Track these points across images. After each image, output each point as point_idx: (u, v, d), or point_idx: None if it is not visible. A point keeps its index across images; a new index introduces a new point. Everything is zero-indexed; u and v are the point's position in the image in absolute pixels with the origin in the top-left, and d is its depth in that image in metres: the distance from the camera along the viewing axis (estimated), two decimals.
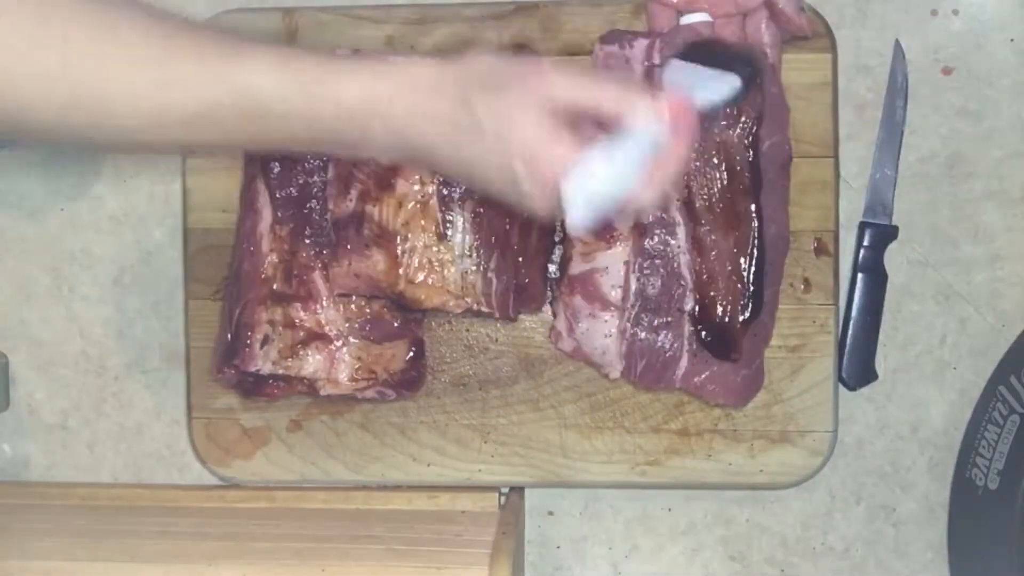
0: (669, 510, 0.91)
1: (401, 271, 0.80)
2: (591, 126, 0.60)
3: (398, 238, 0.80)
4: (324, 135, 0.60)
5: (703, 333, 0.81)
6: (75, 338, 0.93)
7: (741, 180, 0.81)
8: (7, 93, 0.54)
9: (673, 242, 0.81)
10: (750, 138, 0.81)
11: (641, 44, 0.83)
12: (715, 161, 0.81)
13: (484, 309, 0.81)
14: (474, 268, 0.80)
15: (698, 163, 0.80)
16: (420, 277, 0.80)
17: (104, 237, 0.92)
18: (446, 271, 0.80)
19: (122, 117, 0.56)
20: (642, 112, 0.59)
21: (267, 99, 0.58)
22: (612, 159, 0.59)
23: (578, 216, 0.59)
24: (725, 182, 0.81)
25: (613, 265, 0.82)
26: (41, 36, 0.54)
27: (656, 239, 0.81)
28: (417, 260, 0.80)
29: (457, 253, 0.80)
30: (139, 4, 0.57)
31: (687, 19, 0.84)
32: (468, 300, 0.80)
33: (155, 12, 0.57)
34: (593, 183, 0.59)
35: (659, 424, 0.87)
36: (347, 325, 0.83)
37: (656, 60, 0.82)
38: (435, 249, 0.80)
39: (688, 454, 0.87)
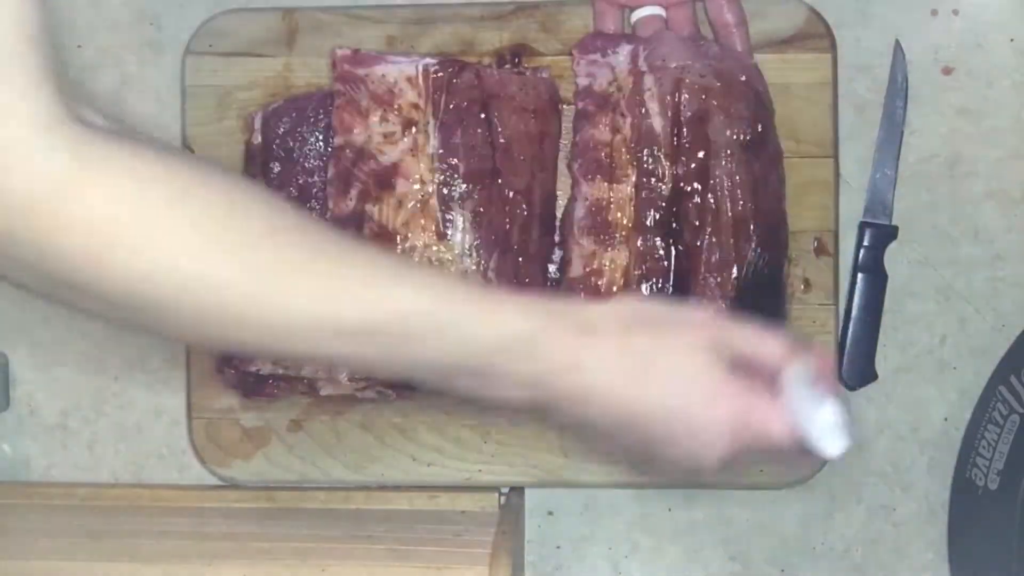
0: (669, 510, 0.91)
1: None
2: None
3: (398, 237, 0.80)
4: (468, 366, 0.56)
5: None
6: (75, 338, 0.93)
7: (740, 182, 0.81)
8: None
9: (673, 247, 0.81)
10: (745, 139, 0.81)
11: (625, 50, 0.83)
12: (713, 164, 0.81)
13: None
14: (474, 268, 0.80)
15: (694, 166, 0.81)
16: None
17: None
18: (446, 270, 0.80)
19: (280, 327, 0.52)
20: (801, 365, 0.58)
21: (435, 320, 0.54)
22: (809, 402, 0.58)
23: (835, 447, 0.58)
24: (724, 184, 0.81)
25: (614, 268, 0.82)
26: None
27: (657, 242, 0.81)
28: (417, 259, 0.80)
29: (457, 252, 0.80)
30: (313, 219, 0.55)
31: (638, 14, 0.84)
32: None
33: (324, 227, 0.55)
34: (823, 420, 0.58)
35: None
36: None
37: (643, 68, 0.82)
38: (435, 248, 0.80)
39: None
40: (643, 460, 0.60)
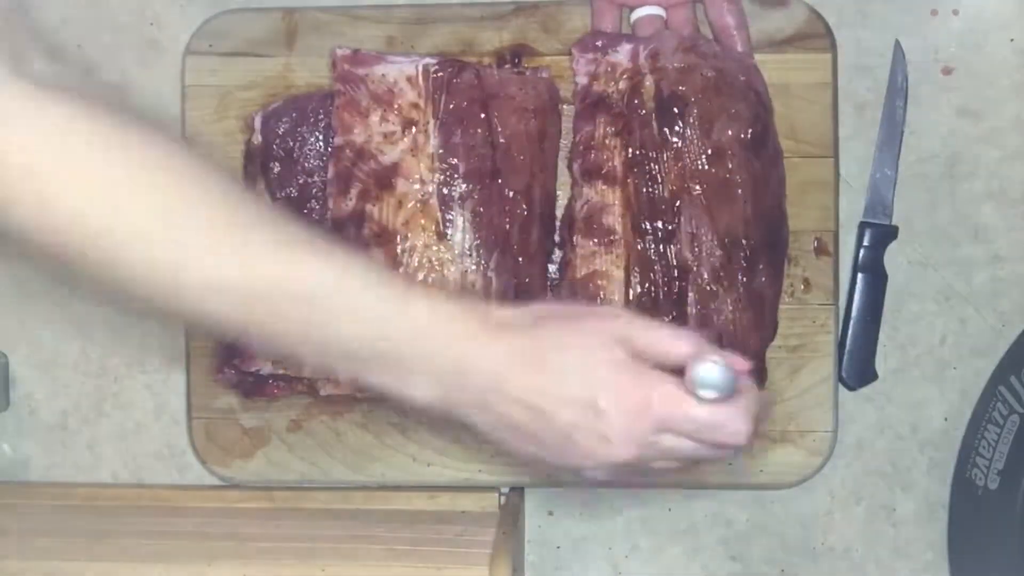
0: (669, 510, 0.91)
1: (401, 270, 0.80)
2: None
3: (398, 237, 0.80)
4: (378, 354, 0.57)
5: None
6: (75, 338, 0.93)
7: (740, 181, 0.81)
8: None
9: (673, 246, 0.81)
10: (745, 139, 0.81)
11: (625, 49, 0.83)
12: (713, 164, 0.81)
13: None
14: (474, 267, 0.80)
15: (694, 165, 0.81)
16: (420, 276, 0.80)
17: None
18: (446, 270, 0.80)
19: (183, 283, 0.53)
20: (712, 365, 0.57)
21: (348, 301, 0.55)
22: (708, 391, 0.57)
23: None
24: (724, 184, 0.81)
25: (614, 268, 0.82)
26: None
27: (657, 243, 0.81)
28: (417, 259, 0.80)
29: (457, 252, 0.80)
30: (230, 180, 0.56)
31: (638, 14, 0.84)
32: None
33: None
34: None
35: None
36: None
37: (643, 67, 0.82)
38: (435, 248, 0.80)
39: None
40: (552, 466, 0.60)
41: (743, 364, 0.58)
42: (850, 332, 0.88)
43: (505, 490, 0.89)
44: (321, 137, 0.84)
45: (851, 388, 0.89)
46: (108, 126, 0.52)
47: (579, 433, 0.57)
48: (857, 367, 0.88)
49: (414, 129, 0.82)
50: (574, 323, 0.58)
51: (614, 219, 0.82)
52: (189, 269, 0.53)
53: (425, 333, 0.57)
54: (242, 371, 0.84)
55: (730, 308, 0.81)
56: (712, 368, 0.56)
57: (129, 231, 0.52)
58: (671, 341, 0.58)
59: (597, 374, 0.56)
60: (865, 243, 0.88)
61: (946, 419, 0.90)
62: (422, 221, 0.80)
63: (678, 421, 0.57)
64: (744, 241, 0.81)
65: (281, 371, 0.83)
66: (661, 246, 0.81)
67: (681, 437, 0.58)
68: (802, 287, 0.87)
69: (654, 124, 0.81)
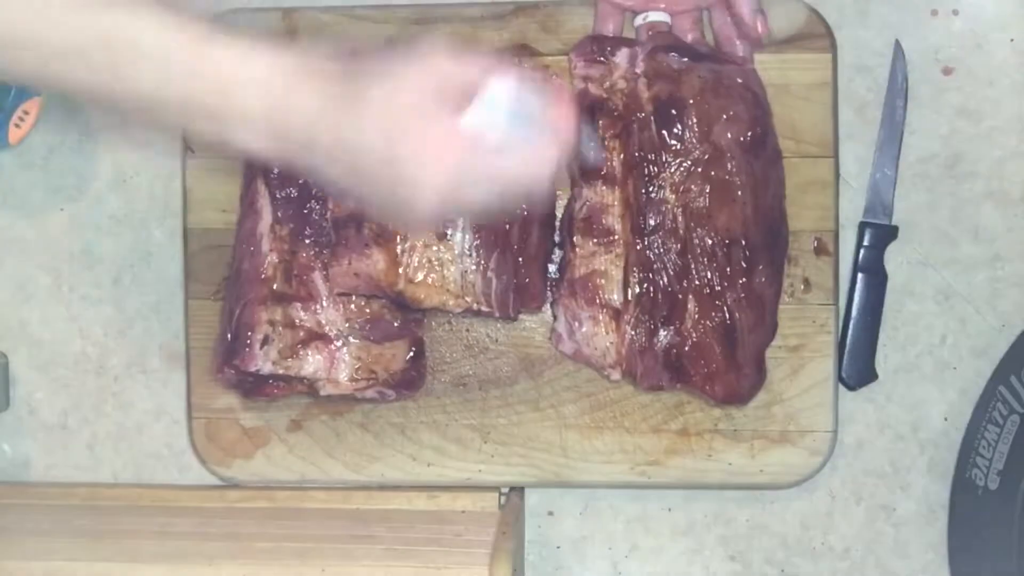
0: (669, 510, 0.91)
1: (401, 270, 0.80)
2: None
3: (398, 237, 0.80)
4: (196, 102, 0.57)
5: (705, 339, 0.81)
6: (75, 338, 0.93)
7: (739, 182, 0.81)
8: None
9: (673, 245, 0.81)
10: (745, 140, 0.81)
11: (623, 53, 0.83)
12: (712, 165, 0.81)
13: (484, 309, 0.81)
14: (474, 267, 0.80)
15: (693, 167, 0.81)
16: (420, 276, 0.80)
17: (104, 237, 0.92)
18: (446, 270, 0.80)
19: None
20: (503, 83, 0.58)
21: (143, 45, 0.56)
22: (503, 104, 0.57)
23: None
24: (724, 185, 0.81)
25: (613, 268, 0.82)
26: None
27: (656, 242, 0.81)
28: (417, 259, 0.80)
29: (457, 252, 0.80)
30: None
31: (642, 19, 0.84)
32: (468, 299, 0.80)
33: None
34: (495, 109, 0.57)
35: (659, 424, 0.87)
36: (347, 325, 0.83)
37: (641, 71, 0.82)
38: (435, 248, 0.80)
39: (688, 454, 0.87)
40: (385, 203, 0.61)
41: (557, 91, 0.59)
42: (850, 332, 0.88)
43: (505, 490, 0.89)
44: None
45: (851, 388, 0.89)
46: None
47: (386, 181, 0.58)
48: (857, 367, 0.88)
49: None
50: (387, 68, 0.57)
51: (613, 219, 0.82)
52: None
53: (233, 81, 0.57)
54: (242, 371, 0.84)
55: (730, 308, 0.81)
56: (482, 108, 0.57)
57: None
58: (471, 70, 0.58)
59: (398, 123, 0.56)
60: (865, 243, 0.88)
61: (946, 419, 0.90)
62: None
63: (472, 167, 0.57)
64: (744, 241, 0.81)
65: (281, 371, 0.83)
66: (661, 247, 0.81)
67: (481, 182, 0.58)
68: (802, 287, 0.87)
69: (653, 126, 0.81)
